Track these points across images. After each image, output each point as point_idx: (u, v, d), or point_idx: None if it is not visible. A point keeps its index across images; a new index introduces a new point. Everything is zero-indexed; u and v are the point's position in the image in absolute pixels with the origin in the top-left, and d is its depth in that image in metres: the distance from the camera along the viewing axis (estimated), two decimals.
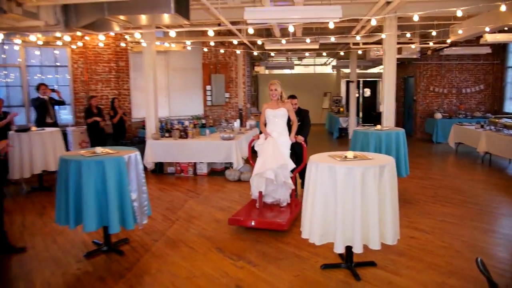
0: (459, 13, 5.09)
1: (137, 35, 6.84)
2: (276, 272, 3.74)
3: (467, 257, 4.00)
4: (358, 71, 15.39)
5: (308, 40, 7.38)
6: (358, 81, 16.85)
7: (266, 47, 8.64)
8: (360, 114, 16.88)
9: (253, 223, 4.65)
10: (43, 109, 7.95)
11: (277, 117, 5.07)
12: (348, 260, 3.77)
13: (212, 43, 8.80)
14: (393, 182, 3.50)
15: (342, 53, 11.61)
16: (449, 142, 10.35)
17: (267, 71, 18.32)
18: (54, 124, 7.94)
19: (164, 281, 3.61)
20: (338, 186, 3.33)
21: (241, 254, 4.17)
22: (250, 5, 6.16)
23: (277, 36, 8.19)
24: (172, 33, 6.91)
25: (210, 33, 6.49)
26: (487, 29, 6.18)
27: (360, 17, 6.55)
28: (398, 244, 4.26)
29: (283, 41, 7.51)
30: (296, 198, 5.49)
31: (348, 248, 3.68)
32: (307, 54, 12.18)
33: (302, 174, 5.79)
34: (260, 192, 5.02)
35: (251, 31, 6.35)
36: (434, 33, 7.30)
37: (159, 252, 4.28)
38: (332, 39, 7.25)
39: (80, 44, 8.54)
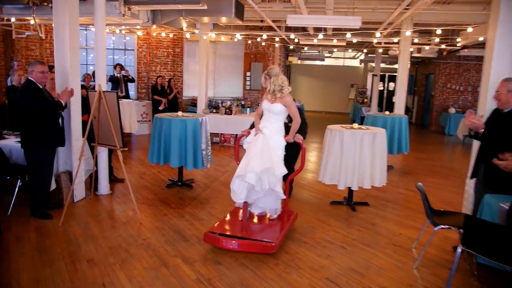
0: (439, 31, 6.54)
1: (213, 36, 8.43)
2: (299, 204, 5.44)
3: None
4: (384, 65, 16.67)
5: (335, 40, 8.93)
6: (384, 75, 18.13)
7: (301, 42, 10.21)
8: (384, 105, 18.12)
9: (235, 245, 3.79)
10: (116, 84, 9.89)
11: (271, 112, 4.11)
12: (349, 200, 5.44)
13: (259, 39, 10.46)
14: (383, 145, 5.10)
15: (365, 51, 13.01)
16: (458, 134, 11.64)
17: (299, 62, 19.81)
18: (125, 97, 9.87)
19: (223, 202, 5.39)
20: (344, 145, 4.98)
21: None
22: (290, 9, 7.76)
23: (310, 33, 9.77)
24: (238, 35, 8.63)
25: (264, 36, 8.12)
26: (481, 38, 7.53)
27: (371, 30, 8.00)
28: (389, 195, 5.97)
29: (315, 40, 9.10)
30: (288, 208, 4.62)
31: (349, 191, 5.36)
32: (335, 50, 13.66)
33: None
34: (246, 203, 4.02)
35: (292, 36, 7.94)
36: (437, 39, 8.67)
37: (217, 188, 6.08)
38: (354, 40, 8.78)
39: (160, 33, 10.35)
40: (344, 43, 9.71)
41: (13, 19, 7.45)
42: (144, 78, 11.73)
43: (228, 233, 3.94)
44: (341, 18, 6.43)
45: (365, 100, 16.83)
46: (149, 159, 5.92)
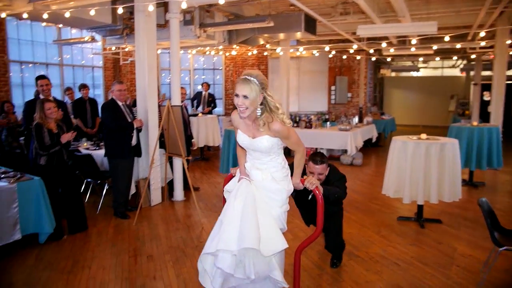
0: None
1: (278, 49, 8.82)
2: (365, 218, 5.25)
3: None
4: (490, 73, 15.01)
5: (413, 49, 8.44)
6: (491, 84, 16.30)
7: (384, 53, 9.85)
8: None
9: None
10: (199, 99, 10.62)
11: (257, 150, 2.52)
12: (419, 216, 5.07)
13: (333, 52, 10.43)
14: (453, 157, 4.68)
15: (455, 58, 11.95)
16: None
17: (393, 74, 18.93)
18: (210, 113, 10.57)
19: None
20: (408, 156, 4.71)
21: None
22: (364, 20, 7.61)
23: (393, 42, 9.39)
24: (316, 53, 8.75)
25: (327, 48, 8.13)
26: None
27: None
28: (469, 213, 5.43)
29: (391, 50, 8.72)
30: None
31: (419, 206, 5.01)
32: (420, 58, 12.81)
33: (338, 245, 3.77)
34: None
35: (353, 46, 7.70)
36: None
37: None
38: (435, 47, 8.18)
39: (233, 53, 11.09)
40: (431, 51, 9.10)
41: (113, 48, 8.69)
42: (232, 95, 12.44)
43: None
44: (414, 24, 6.12)
45: (467, 112, 15.33)
46: (219, 169, 6.31)
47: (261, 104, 2.39)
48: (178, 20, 5.55)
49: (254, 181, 2.55)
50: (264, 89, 2.37)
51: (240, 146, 2.67)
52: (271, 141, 2.46)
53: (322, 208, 2.64)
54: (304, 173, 2.90)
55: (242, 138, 2.55)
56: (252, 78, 2.31)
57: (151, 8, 4.63)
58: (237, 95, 2.34)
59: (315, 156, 3.41)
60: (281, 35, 8.13)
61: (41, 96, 5.03)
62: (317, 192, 2.65)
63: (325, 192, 2.88)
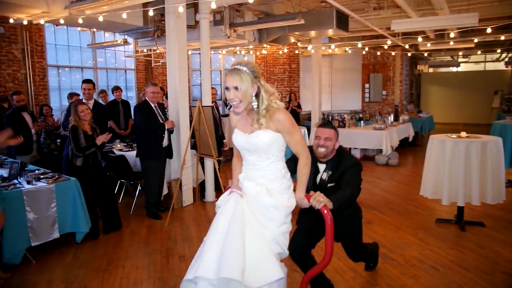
0: None
1: (310, 47, 8.71)
2: (401, 220, 5.04)
3: None
4: None
5: (452, 43, 8.05)
6: None
7: (420, 48, 9.48)
8: None
9: None
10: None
11: (252, 151, 2.21)
12: (459, 218, 4.81)
13: (366, 48, 10.15)
14: (496, 156, 4.41)
15: (499, 51, 11.31)
16: None
17: (431, 70, 18.25)
18: None
19: None
20: (446, 155, 4.48)
21: (373, 205, 5.60)
22: (398, 14, 7.34)
23: (430, 36, 9.01)
24: (348, 50, 8.56)
25: (359, 45, 7.92)
26: None
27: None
28: None
29: (428, 45, 8.36)
30: None
31: (459, 208, 4.75)
32: (460, 53, 12.23)
33: (363, 257, 3.42)
34: None
35: (383, 43, 7.44)
36: None
37: None
38: (476, 39, 7.77)
39: (264, 52, 11.05)
40: (472, 45, 8.67)
41: (145, 50, 8.88)
42: None
43: None
44: (453, 17, 5.83)
45: None
46: None
47: (256, 95, 2.12)
48: (208, 21, 5.57)
49: (246, 195, 2.21)
50: (258, 78, 2.11)
51: (236, 154, 2.42)
52: (270, 136, 2.13)
53: (331, 232, 2.23)
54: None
55: (237, 137, 2.24)
56: (241, 67, 2.07)
57: (181, 9, 4.66)
58: (227, 88, 2.10)
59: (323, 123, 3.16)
60: (312, 33, 8.00)
61: (84, 99, 5.24)
62: (325, 212, 2.22)
63: (336, 204, 2.37)
